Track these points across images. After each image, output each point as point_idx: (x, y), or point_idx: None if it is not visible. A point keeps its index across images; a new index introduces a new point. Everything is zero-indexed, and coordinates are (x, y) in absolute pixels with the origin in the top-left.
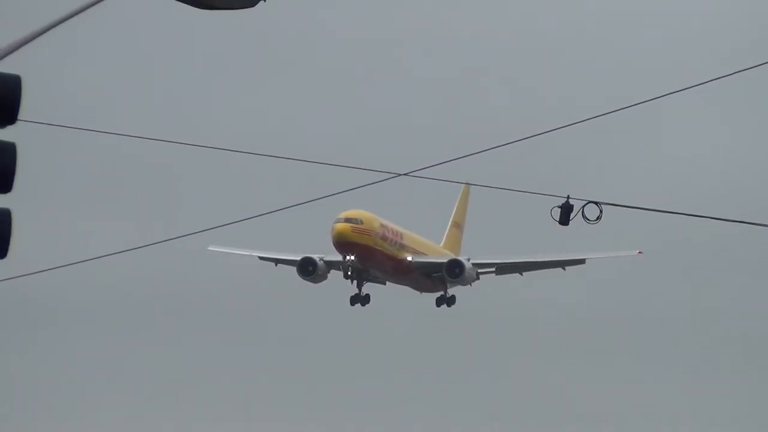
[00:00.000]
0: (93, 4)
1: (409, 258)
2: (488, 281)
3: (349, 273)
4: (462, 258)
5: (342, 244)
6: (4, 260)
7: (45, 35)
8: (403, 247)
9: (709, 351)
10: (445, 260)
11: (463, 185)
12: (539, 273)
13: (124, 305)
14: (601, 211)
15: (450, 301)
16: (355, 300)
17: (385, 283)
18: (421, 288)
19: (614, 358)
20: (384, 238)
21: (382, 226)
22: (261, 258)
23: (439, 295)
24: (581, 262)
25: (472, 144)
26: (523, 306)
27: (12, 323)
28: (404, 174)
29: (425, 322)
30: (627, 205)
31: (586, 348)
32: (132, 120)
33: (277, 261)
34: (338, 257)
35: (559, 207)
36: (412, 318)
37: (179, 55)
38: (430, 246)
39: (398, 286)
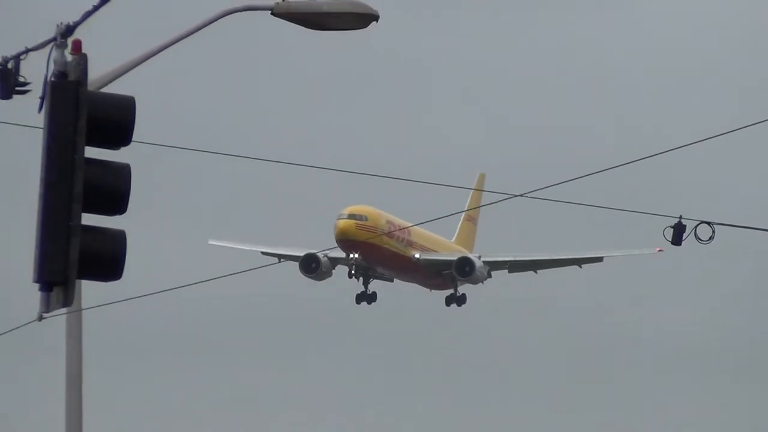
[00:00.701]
0: (204, 26)
1: (417, 255)
2: (501, 280)
3: (353, 272)
4: (472, 256)
5: (345, 241)
6: (118, 282)
7: (157, 56)
8: (410, 244)
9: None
10: (454, 258)
11: (478, 175)
12: (555, 271)
13: (230, 327)
14: (713, 231)
15: (460, 300)
16: (361, 298)
17: (392, 280)
18: (430, 285)
19: (636, 365)
20: (390, 235)
21: (389, 222)
22: (264, 253)
23: (449, 294)
24: (599, 260)
25: (582, 164)
26: (538, 306)
27: (121, 344)
28: (519, 195)
29: (433, 323)
30: (739, 225)
31: (605, 351)
32: (241, 140)
33: (280, 257)
34: (343, 254)
35: (671, 227)
36: (420, 318)
37: (288, 75)
38: (441, 242)
39: (407, 283)
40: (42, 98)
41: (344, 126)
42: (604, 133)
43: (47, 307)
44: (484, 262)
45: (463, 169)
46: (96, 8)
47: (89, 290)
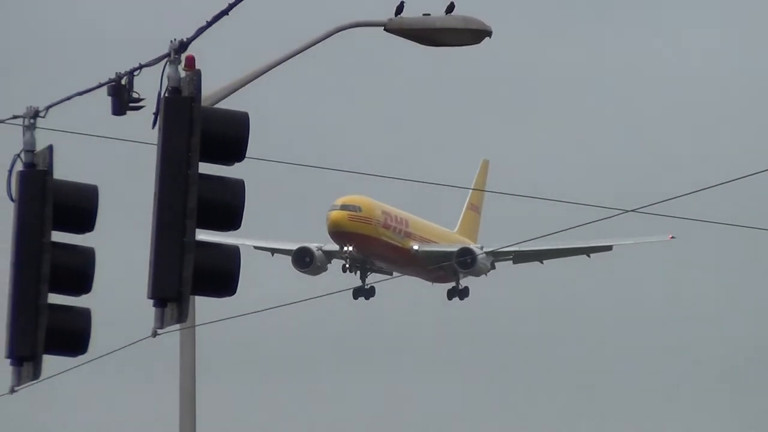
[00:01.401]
0: (317, 42)
1: (416, 247)
2: (506, 271)
3: (347, 265)
4: (474, 246)
5: (338, 233)
6: (232, 298)
7: (269, 72)
8: (408, 236)
9: None
10: (454, 249)
11: (481, 161)
12: (562, 261)
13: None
14: None
15: (463, 293)
16: (358, 293)
17: (391, 274)
18: (431, 278)
19: (646, 359)
20: (386, 227)
21: (384, 213)
22: (256, 248)
23: (450, 287)
24: (608, 248)
25: (695, 179)
26: (545, 299)
27: (233, 359)
28: (631, 210)
29: (434, 318)
30: None
31: (614, 347)
32: (353, 155)
33: (273, 251)
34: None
35: None
36: (420, 313)
37: (400, 90)
38: (442, 233)
39: (408, 276)
40: (156, 114)
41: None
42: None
43: (161, 323)
44: (486, 252)
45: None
46: (209, 24)
47: (203, 306)
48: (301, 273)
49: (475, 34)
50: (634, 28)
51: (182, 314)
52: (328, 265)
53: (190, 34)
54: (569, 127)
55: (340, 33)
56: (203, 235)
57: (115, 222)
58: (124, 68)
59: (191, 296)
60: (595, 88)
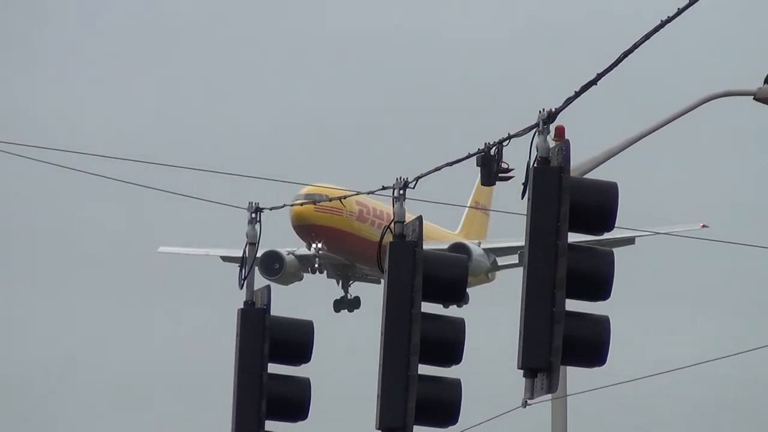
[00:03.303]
0: (685, 112)
1: None
2: (511, 274)
3: (317, 266)
4: (469, 242)
5: (303, 227)
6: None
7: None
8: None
9: None
10: (445, 245)
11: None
12: None
13: None
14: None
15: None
16: (340, 305)
17: (379, 282)
18: None
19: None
20: (362, 220)
21: (360, 204)
22: (224, 258)
23: None
24: (630, 242)
25: None
26: None
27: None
28: None
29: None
30: None
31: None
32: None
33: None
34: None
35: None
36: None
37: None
38: (436, 231)
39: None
40: (525, 184)
41: None
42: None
43: (532, 393)
44: (485, 249)
45: None
46: (577, 94)
47: (575, 376)
48: (271, 281)
49: None
50: None
51: (552, 384)
52: (304, 272)
53: (558, 104)
54: None
55: (706, 102)
56: (571, 307)
57: (483, 294)
58: (492, 138)
59: (562, 366)
60: None
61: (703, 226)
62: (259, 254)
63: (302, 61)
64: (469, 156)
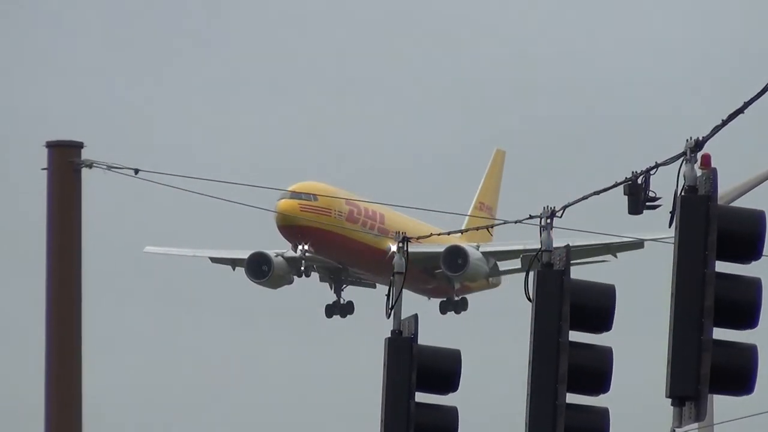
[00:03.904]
0: None
1: (393, 248)
2: (514, 281)
3: (303, 268)
4: (467, 245)
5: (288, 228)
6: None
7: None
8: (385, 233)
9: None
10: (441, 249)
11: (494, 151)
12: (585, 267)
13: None
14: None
15: (459, 306)
16: (332, 310)
17: (375, 286)
18: (426, 291)
19: None
20: (353, 220)
21: (351, 203)
22: (213, 260)
23: (444, 299)
24: (639, 245)
25: None
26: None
27: None
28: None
29: (423, 335)
30: None
31: None
32: None
33: (233, 262)
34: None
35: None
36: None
37: None
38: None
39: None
40: (672, 213)
41: None
42: None
43: (680, 421)
44: (485, 253)
45: None
46: (725, 123)
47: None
48: (258, 284)
49: None
50: None
51: (700, 413)
52: (294, 276)
53: (705, 133)
54: None
55: None
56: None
57: (631, 321)
58: (640, 167)
59: (709, 395)
60: None
61: None
62: (245, 256)
63: (451, 86)
64: (617, 185)
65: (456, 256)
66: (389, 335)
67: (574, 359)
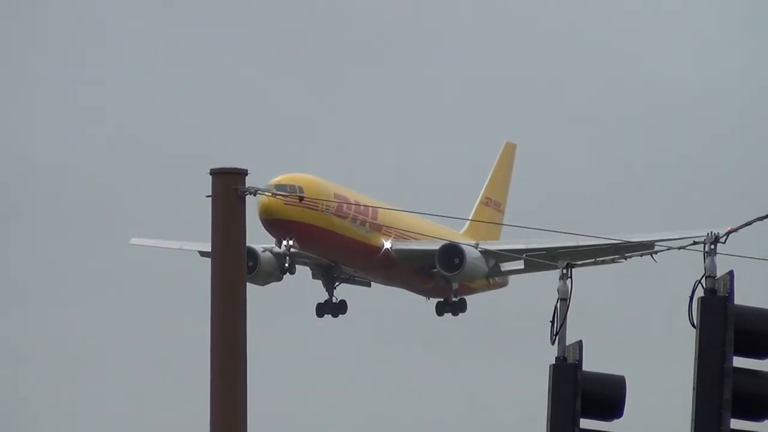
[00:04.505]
0: None
1: (387, 245)
2: (517, 282)
3: (287, 264)
4: (464, 243)
5: (271, 221)
6: None
7: None
8: (377, 229)
9: None
10: (436, 246)
11: (504, 144)
12: (589, 270)
13: None
14: None
15: (457, 307)
16: (323, 309)
17: (369, 285)
18: (424, 291)
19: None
20: (343, 215)
21: (339, 197)
22: (202, 254)
23: (441, 300)
24: (649, 247)
25: None
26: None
27: None
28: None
29: (418, 338)
30: None
31: None
32: None
33: None
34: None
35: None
36: (399, 332)
37: None
38: (430, 229)
39: (395, 289)
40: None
41: None
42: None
43: None
44: (484, 252)
45: None
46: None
47: None
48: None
49: None
50: None
51: None
52: (283, 273)
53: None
54: None
55: None
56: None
57: None
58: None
59: None
60: None
61: (730, 230)
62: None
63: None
64: None
65: (452, 254)
66: (553, 362)
67: (738, 385)
